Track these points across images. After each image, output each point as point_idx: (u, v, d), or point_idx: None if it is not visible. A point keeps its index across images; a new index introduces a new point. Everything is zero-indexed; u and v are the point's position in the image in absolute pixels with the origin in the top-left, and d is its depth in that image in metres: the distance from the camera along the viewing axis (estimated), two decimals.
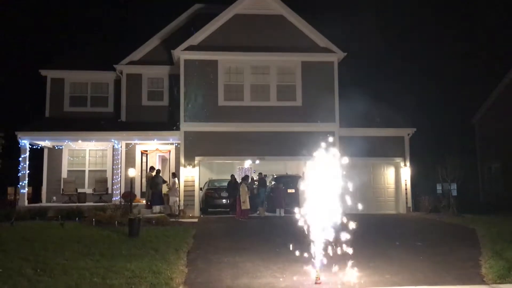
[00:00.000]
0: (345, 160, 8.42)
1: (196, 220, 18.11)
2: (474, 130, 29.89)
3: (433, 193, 24.62)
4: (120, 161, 20.71)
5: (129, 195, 18.61)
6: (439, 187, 27.13)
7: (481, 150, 29.11)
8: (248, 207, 18.74)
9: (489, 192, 28.03)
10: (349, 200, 8.06)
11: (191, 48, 20.56)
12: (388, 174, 22.31)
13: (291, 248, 8.59)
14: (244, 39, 20.72)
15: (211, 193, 21.72)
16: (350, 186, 8.14)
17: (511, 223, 16.11)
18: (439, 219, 18.43)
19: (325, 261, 8.36)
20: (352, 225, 8.05)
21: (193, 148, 20.21)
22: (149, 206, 19.76)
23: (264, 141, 20.39)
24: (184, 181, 20.00)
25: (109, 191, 20.95)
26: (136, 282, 8.02)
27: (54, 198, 21.05)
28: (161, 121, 21.37)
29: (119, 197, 19.94)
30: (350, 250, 8.36)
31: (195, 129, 20.31)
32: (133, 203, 18.53)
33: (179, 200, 19.67)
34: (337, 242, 8.32)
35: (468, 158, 27.35)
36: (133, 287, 7.70)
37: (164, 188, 20.26)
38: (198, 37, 20.68)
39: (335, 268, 8.73)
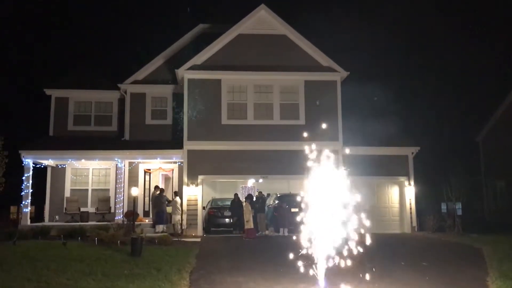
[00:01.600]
0: (346, 174, 8.43)
1: (199, 239, 17.98)
2: (479, 148, 29.82)
3: (438, 212, 24.43)
4: (123, 180, 20.66)
5: (131, 214, 18.55)
6: (443, 206, 26.94)
7: (486, 168, 28.98)
8: (252, 226, 18.61)
9: (494, 210, 27.82)
10: (354, 219, 8.00)
11: (194, 67, 20.72)
12: (392, 193, 22.17)
13: (294, 268, 8.48)
14: (247, 59, 20.88)
15: (214, 212, 21.61)
16: (355, 205, 8.09)
17: None
18: (444, 239, 18.25)
19: (329, 281, 8.25)
20: (356, 245, 7.98)
21: (196, 166, 20.20)
22: (152, 226, 19.65)
23: (268, 160, 20.37)
24: (187, 200, 19.93)
25: (112, 210, 20.87)
26: None
27: (57, 217, 20.97)
28: (164, 139, 21.42)
29: (121, 216, 19.85)
30: (355, 270, 8.27)
31: (198, 147, 20.32)
32: (136, 222, 18.46)
33: (181, 219, 19.57)
34: (341, 262, 8.24)
35: (472, 176, 27.25)
36: None
37: (168, 208, 20.18)
38: (201, 57, 20.86)
39: None
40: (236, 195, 21.05)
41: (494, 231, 20.33)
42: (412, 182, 21.59)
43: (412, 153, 21.84)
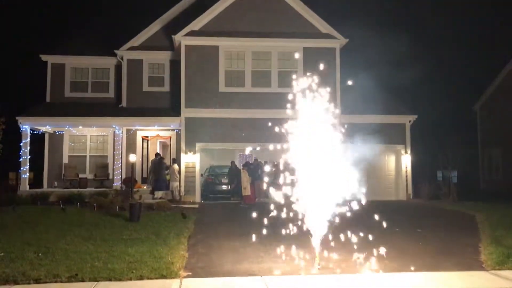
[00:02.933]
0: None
1: (197, 206, 18.19)
2: (476, 117, 29.85)
3: (434, 180, 24.67)
4: (121, 147, 20.72)
5: (130, 181, 18.69)
6: (439, 174, 27.18)
7: (482, 137, 29.10)
8: (249, 193, 18.78)
9: (489, 179, 28.08)
10: (351, 185, 8.10)
11: (192, 33, 20.44)
12: (389, 161, 22.32)
13: (292, 233, 8.63)
14: (245, 25, 20.60)
15: (212, 179, 21.79)
16: (351, 170, 8.17)
17: (510, 210, 16.17)
18: (439, 206, 18.49)
19: (325, 246, 8.41)
20: (352, 210, 8.12)
21: (194, 134, 20.22)
22: (151, 192, 19.83)
23: (266, 128, 20.29)
24: (185, 167, 20.04)
25: (110, 177, 21.01)
26: (137, 267, 8.07)
27: (56, 183, 21.11)
28: (162, 107, 21.35)
29: (120, 182, 20.01)
30: (350, 236, 8.42)
31: (196, 115, 20.28)
32: (134, 189, 18.62)
33: (179, 186, 19.73)
34: (337, 227, 8.39)
35: (469, 145, 27.37)
36: (134, 272, 7.76)
37: (167, 175, 20.34)
38: (199, 23, 20.55)
39: (335, 253, 8.80)
40: (233, 162, 21.13)
41: (488, 199, 20.58)
42: (408, 150, 21.70)
43: (410, 121, 21.87)
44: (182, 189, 19.72)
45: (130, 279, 7.49)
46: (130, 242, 10.24)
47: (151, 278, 7.57)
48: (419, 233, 12.18)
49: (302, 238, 8.75)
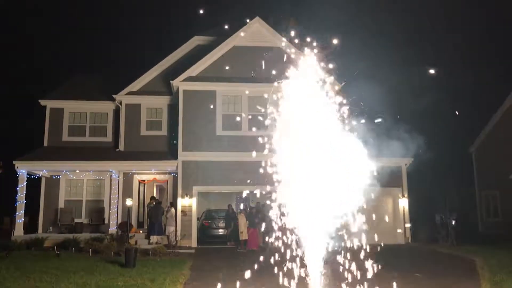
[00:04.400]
0: None
1: (193, 251, 17.96)
2: (472, 159, 29.98)
3: (432, 223, 24.52)
4: (117, 191, 20.65)
5: (126, 225, 18.53)
6: (437, 217, 27.02)
7: (479, 179, 29.13)
8: (246, 237, 18.58)
9: (488, 221, 27.92)
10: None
11: (190, 79, 20.85)
12: (386, 204, 22.25)
13: (292, 278, 8.50)
14: (242, 70, 20.98)
15: (208, 223, 21.63)
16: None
17: (509, 254, 16.03)
18: (438, 250, 18.32)
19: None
20: (348, 255, 8.07)
21: (191, 177, 20.23)
22: (147, 237, 19.61)
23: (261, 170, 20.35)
24: (182, 211, 19.92)
25: (106, 221, 20.83)
26: None
27: (51, 228, 20.88)
28: (159, 150, 21.46)
29: (116, 227, 19.82)
30: (347, 281, 8.34)
31: (193, 158, 20.37)
32: (130, 233, 18.43)
33: (176, 230, 19.53)
34: (335, 272, 8.31)
35: (466, 188, 27.37)
36: None
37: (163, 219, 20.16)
38: (197, 68, 21.00)
39: None
40: (229, 206, 21.05)
41: (487, 242, 20.43)
42: (405, 193, 21.71)
43: (406, 164, 21.99)
44: (179, 233, 19.52)
45: None
46: None
47: None
48: (419, 279, 12.02)
49: (302, 283, 8.63)
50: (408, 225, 21.41)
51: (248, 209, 20.36)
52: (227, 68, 20.89)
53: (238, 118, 20.68)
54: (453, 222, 21.16)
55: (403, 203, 21.62)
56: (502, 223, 25.75)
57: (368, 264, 8.83)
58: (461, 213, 22.75)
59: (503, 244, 19.45)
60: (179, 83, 20.72)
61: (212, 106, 20.71)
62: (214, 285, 11.08)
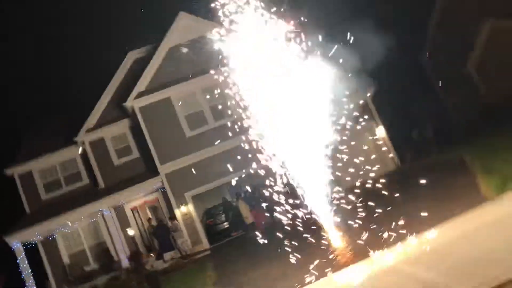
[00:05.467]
0: None
1: (208, 252, 18.23)
2: (424, 66, 30.46)
3: (412, 141, 25.19)
4: (114, 226, 20.57)
5: (136, 255, 18.59)
6: (414, 133, 27.71)
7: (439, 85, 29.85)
8: (252, 220, 18.92)
9: (458, 121, 28.73)
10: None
11: (140, 94, 20.74)
12: (364, 138, 22.69)
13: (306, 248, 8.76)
14: (187, 67, 20.88)
15: (211, 222, 21.85)
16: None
17: (490, 142, 16.74)
18: (426, 161, 19.02)
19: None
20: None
21: (179, 186, 20.32)
22: (160, 257, 19.72)
23: (241, 155, 20.56)
24: (183, 220, 20.06)
25: (116, 259, 20.79)
26: None
27: (65, 286, 20.73)
28: (139, 173, 21.40)
29: (127, 260, 19.83)
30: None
31: (174, 168, 20.42)
32: (143, 260, 18.53)
33: (186, 240, 19.66)
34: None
35: (431, 96, 28.10)
36: None
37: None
38: (144, 82, 20.90)
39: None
40: (223, 198, 21.28)
41: (466, 137, 21.16)
42: (379, 122, 22.19)
43: (369, 94, 22.40)
44: (189, 242, 19.68)
45: None
46: None
47: None
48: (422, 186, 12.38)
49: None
50: (391, 155, 22.01)
51: (243, 194, 20.64)
52: (172, 70, 20.86)
53: (201, 113, 20.79)
54: (429, 133, 21.84)
55: (380, 131, 22.14)
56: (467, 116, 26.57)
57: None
58: (433, 120, 23.33)
59: (478, 139, 20.16)
60: (133, 102, 20.59)
61: (172, 112, 20.72)
62: (243, 273, 11.39)
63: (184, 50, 21.06)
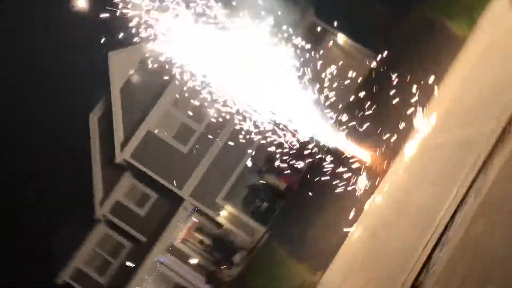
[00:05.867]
0: None
1: (268, 234, 18.56)
2: None
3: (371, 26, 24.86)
4: (177, 264, 20.95)
5: (211, 276, 18.88)
6: None
7: None
8: (285, 186, 19.16)
9: None
10: None
11: (123, 145, 20.83)
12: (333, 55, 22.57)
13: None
14: (148, 92, 20.84)
15: (253, 208, 21.79)
16: None
17: None
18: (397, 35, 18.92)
19: None
20: None
21: (207, 197, 20.60)
22: (231, 264, 19.99)
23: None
24: (229, 222, 20.36)
25: None
26: None
27: None
28: (167, 208, 21.61)
29: (206, 285, 20.19)
30: None
31: (192, 185, 20.63)
32: (219, 277, 18.88)
33: (242, 237, 19.89)
34: None
35: None
36: None
37: None
38: (118, 133, 21.01)
39: None
40: (248, 186, 21.02)
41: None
42: (335, 31, 22.00)
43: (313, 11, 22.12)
44: (245, 237, 19.85)
45: None
46: None
47: None
48: None
49: None
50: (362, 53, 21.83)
51: (263, 168, 20.70)
52: (135, 105, 20.78)
53: (184, 125, 20.88)
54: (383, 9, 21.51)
55: (341, 39, 21.91)
56: None
57: None
58: None
59: None
60: (121, 156, 20.78)
61: (159, 141, 20.81)
62: (308, 230, 11.60)
63: (135, 79, 20.96)
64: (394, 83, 9.73)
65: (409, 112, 8.58)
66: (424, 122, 7.91)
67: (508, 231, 3.87)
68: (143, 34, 9.24)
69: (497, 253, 3.82)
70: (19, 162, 24.98)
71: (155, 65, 20.41)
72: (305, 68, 9.43)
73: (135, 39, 10.64)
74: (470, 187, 5.23)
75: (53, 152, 24.30)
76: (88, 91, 23.78)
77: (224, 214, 20.48)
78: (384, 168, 8.35)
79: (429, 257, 5.08)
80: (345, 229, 8.52)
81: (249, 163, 24.44)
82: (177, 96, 20.71)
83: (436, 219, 5.40)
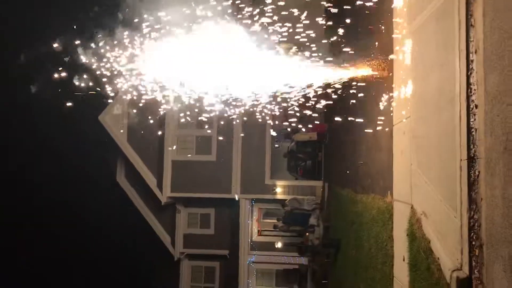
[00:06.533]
0: None
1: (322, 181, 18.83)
2: None
3: None
4: (267, 255, 21.40)
5: (301, 248, 19.18)
6: None
7: None
8: (315, 135, 19.32)
9: None
10: None
11: (159, 185, 21.20)
12: None
13: None
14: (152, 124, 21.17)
15: (301, 172, 21.71)
16: None
17: None
18: None
19: None
20: None
21: (256, 184, 21.16)
22: (311, 229, 20.25)
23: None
24: (288, 193, 20.67)
25: (297, 267, 21.53)
26: None
27: None
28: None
29: (301, 256, 20.57)
30: None
31: (237, 185, 20.99)
32: (308, 243, 19.21)
33: (308, 198, 20.12)
34: None
35: None
36: None
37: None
38: (151, 180, 21.33)
39: None
40: (284, 154, 21.12)
41: None
42: None
43: None
44: (311, 197, 20.12)
45: None
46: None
47: None
48: None
49: None
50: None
51: (289, 129, 20.79)
52: (147, 144, 21.10)
53: (200, 139, 21.18)
54: None
55: None
56: None
57: None
58: None
59: None
60: (166, 198, 21.32)
61: (189, 164, 21.22)
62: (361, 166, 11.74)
63: (133, 124, 21.12)
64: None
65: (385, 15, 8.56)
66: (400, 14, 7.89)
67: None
68: (117, 84, 9.42)
69: None
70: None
71: (142, 101, 20.64)
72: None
73: (112, 94, 10.88)
74: (467, 46, 5.31)
75: (118, 228, 25.42)
76: (101, 161, 24.31)
77: (279, 190, 20.82)
78: (388, 73, 8.39)
79: (469, 127, 5.21)
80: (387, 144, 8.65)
81: (273, 132, 24.65)
82: (177, 116, 20.93)
83: (455, 92, 5.51)
